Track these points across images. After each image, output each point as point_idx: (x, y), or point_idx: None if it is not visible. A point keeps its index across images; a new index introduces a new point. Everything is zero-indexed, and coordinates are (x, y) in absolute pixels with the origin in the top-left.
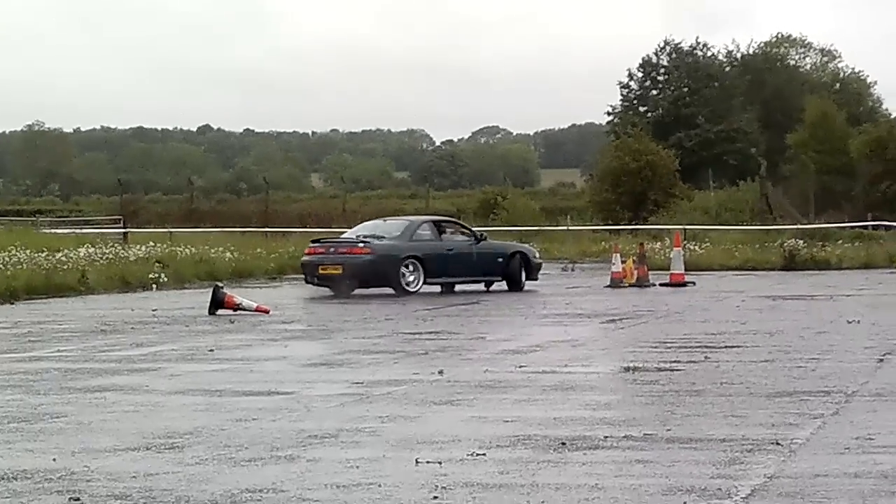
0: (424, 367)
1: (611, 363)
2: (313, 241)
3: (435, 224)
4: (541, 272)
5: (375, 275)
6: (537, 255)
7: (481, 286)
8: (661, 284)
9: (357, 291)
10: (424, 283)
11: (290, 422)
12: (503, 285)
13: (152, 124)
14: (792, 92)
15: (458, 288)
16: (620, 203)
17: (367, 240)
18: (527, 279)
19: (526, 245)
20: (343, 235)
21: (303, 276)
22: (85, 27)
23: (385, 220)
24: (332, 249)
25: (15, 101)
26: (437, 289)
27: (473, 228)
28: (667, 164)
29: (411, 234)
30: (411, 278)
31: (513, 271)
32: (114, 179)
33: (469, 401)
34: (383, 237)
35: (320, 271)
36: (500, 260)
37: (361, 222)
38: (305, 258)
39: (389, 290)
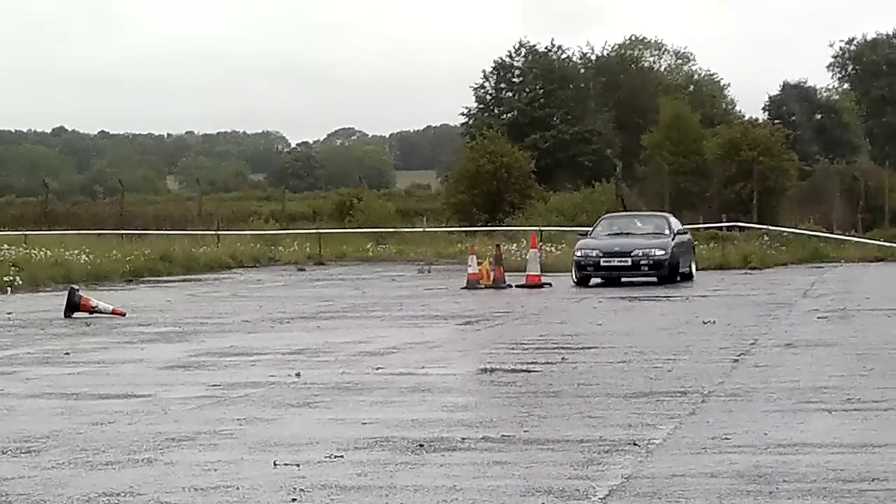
0: (281, 369)
1: (468, 365)
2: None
3: None
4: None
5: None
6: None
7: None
8: (517, 286)
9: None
10: None
11: (148, 425)
12: None
13: (5, 126)
14: (646, 94)
15: (328, 291)
16: (476, 205)
17: None
18: None
19: None
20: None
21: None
22: None
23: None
24: None
25: None
26: (299, 293)
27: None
28: (522, 166)
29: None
30: None
31: None
32: None
33: (326, 403)
34: None
35: None
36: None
37: (217, 224)
38: None
39: (252, 292)
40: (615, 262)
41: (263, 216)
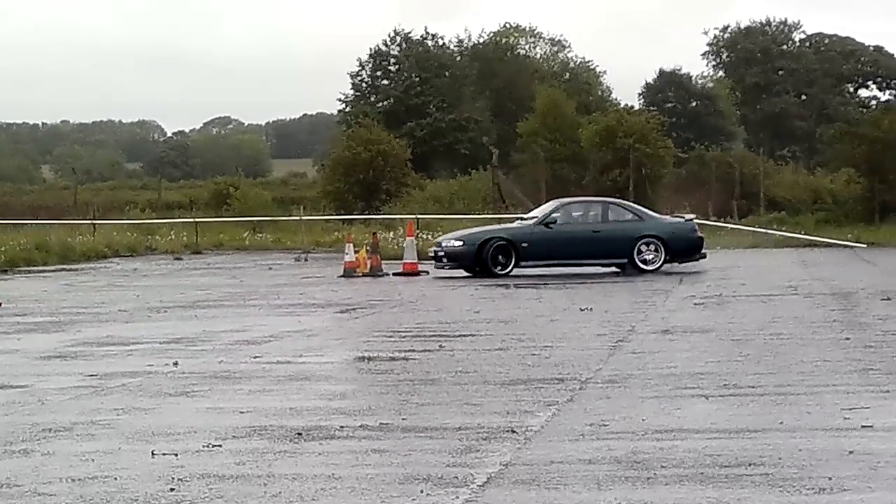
0: (159, 358)
1: (345, 353)
2: (691, 220)
3: None
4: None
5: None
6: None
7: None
8: (394, 274)
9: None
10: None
11: (24, 415)
12: None
13: None
14: (522, 81)
15: (205, 280)
16: (353, 193)
17: None
18: None
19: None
20: (661, 216)
21: None
22: None
23: (574, 202)
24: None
25: None
26: (176, 282)
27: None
28: (398, 154)
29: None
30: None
31: None
32: None
33: (204, 392)
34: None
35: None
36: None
37: (93, 213)
38: (699, 235)
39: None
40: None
41: (140, 205)
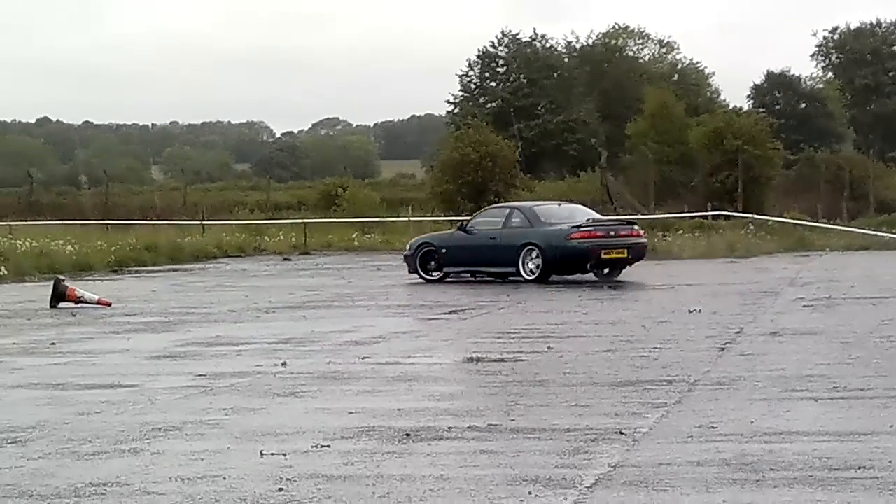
0: (268, 358)
1: (454, 354)
2: (576, 227)
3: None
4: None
5: (642, 257)
6: None
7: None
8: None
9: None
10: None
11: (134, 415)
12: None
13: None
14: (631, 83)
15: (314, 281)
16: (461, 194)
17: (632, 223)
18: None
19: None
20: (570, 221)
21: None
22: None
23: (561, 205)
24: (612, 233)
25: None
26: (284, 282)
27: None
28: (507, 155)
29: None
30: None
31: None
32: None
33: (313, 392)
34: (627, 221)
35: (604, 255)
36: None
37: (202, 214)
38: (584, 242)
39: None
40: None
41: (249, 206)
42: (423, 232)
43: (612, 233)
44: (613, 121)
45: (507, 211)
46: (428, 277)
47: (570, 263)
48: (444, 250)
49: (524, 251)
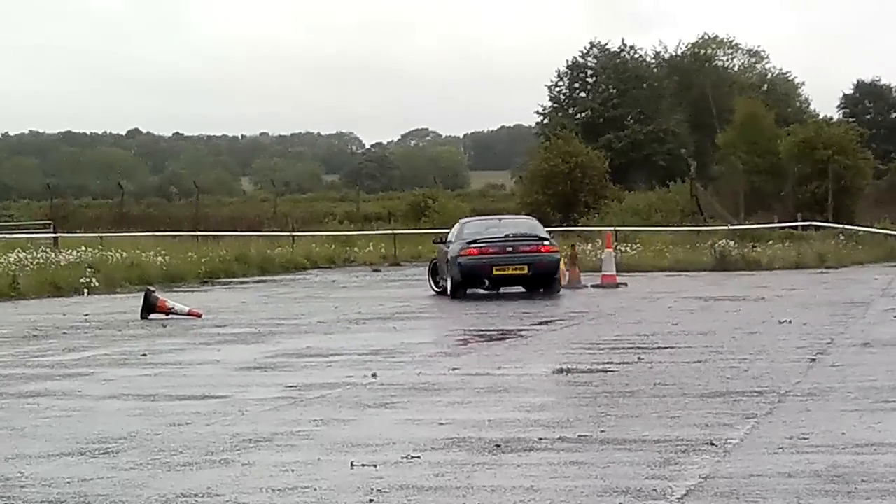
0: (358, 370)
1: (544, 365)
2: (471, 243)
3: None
4: None
5: (552, 273)
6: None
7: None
8: (592, 286)
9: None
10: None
11: (225, 426)
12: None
13: (81, 128)
14: (720, 93)
15: (403, 292)
16: (551, 205)
17: (546, 238)
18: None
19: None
20: (483, 235)
21: (458, 279)
22: (10, 29)
23: (501, 220)
24: (509, 249)
25: None
26: (374, 293)
27: None
28: (597, 166)
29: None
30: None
31: None
32: (43, 184)
33: (403, 403)
34: (544, 237)
35: (496, 272)
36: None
37: (292, 225)
38: (470, 259)
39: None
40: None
41: (338, 217)
42: None
43: (510, 249)
44: (702, 131)
45: (459, 226)
46: (436, 290)
47: (466, 280)
48: (436, 263)
49: (446, 266)
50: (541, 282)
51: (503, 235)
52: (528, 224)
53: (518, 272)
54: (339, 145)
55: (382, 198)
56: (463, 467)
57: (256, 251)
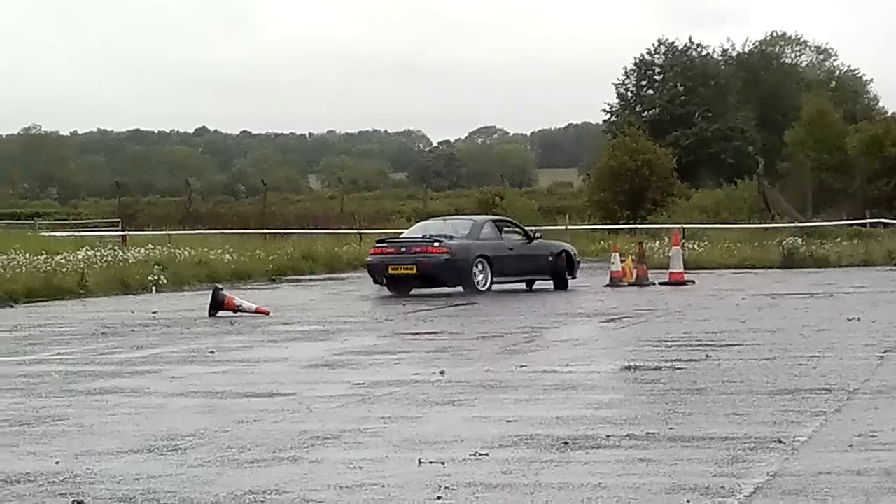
0: (425, 367)
1: (612, 362)
2: (379, 242)
3: (495, 223)
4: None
5: (450, 274)
6: (575, 252)
7: (521, 285)
8: (660, 283)
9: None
10: (491, 282)
11: (293, 423)
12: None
13: (149, 127)
14: (788, 90)
15: (494, 287)
16: (618, 202)
17: (441, 239)
18: (569, 276)
19: (567, 244)
20: (404, 235)
21: (367, 275)
22: (79, 28)
23: (446, 220)
24: (403, 249)
25: (12, 105)
26: (434, 290)
27: (527, 228)
28: (664, 163)
29: (478, 233)
30: (480, 277)
31: (559, 269)
32: (111, 182)
33: (471, 401)
34: (452, 237)
35: (391, 271)
36: (550, 258)
37: (359, 222)
38: (372, 258)
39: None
40: None
41: (406, 214)
42: (578, 241)
43: (404, 249)
44: (770, 128)
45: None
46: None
47: (371, 276)
48: None
49: None
50: (428, 281)
51: (420, 236)
52: (462, 224)
53: (407, 272)
54: (406, 143)
55: (450, 195)
56: (531, 465)
57: (324, 249)
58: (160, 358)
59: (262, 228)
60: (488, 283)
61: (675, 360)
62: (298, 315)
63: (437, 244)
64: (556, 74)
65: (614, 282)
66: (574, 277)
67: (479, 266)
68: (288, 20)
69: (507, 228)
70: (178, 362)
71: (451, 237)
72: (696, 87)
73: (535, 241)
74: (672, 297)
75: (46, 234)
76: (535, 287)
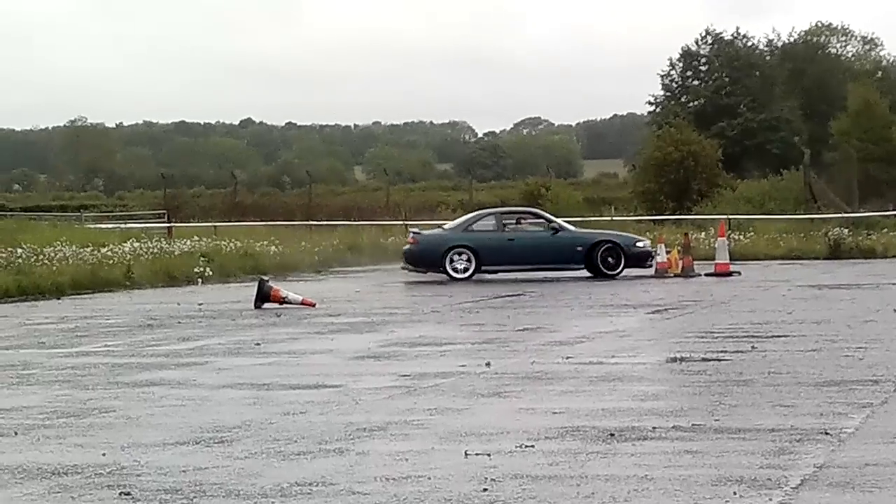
0: (471, 359)
1: (658, 354)
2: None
3: (506, 215)
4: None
5: (421, 261)
6: (641, 243)
7: (558, 274)
8: (706, 274)
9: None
10: (476, 270)
11: (339, 415)
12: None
13: (194, 118)
14: (833, 80)
15: (518, 276)
16: (664, 193)
17: (418, 232)
18: (626, 267)
19: (624, 234)
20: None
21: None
22: (125, 20)
23: (463, 216)
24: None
25: (58, 97)
26: (486, 280)
27: (557, 219)
28: (709, 154)
29: (467, 226)
30: (458, 265)
31: (595, 260)
32: (157, 174)
33: (517, 392)
34: (440, 229)
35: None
36: (580, 249)
37: (405, 214)
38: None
39: (439, 281)
40: None
41: (451, 206)
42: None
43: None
44: (816, 119)
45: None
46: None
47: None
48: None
49: None
50: (413, 265)
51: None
52: (465, 218)
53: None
54: (451, 134)
55: (495, 187)
56: (577, 456)
57: (369, 240)
58: (206, 350)
59: (308, 220)
60: (471, 270)
61: (721, 352)
62: (344, 307)
63: (412, 236)
64: (601, 65)
65: (660, 273)
66: (639, 267)
67: (457, 255)
68: (333, 11)
69: (527, 220)
70: (224, 354)
71: (435, 230)
72: (741, 78)
73: (561, 232)
74: (717, 289)
75: (92, 226)
76: (580, 277)
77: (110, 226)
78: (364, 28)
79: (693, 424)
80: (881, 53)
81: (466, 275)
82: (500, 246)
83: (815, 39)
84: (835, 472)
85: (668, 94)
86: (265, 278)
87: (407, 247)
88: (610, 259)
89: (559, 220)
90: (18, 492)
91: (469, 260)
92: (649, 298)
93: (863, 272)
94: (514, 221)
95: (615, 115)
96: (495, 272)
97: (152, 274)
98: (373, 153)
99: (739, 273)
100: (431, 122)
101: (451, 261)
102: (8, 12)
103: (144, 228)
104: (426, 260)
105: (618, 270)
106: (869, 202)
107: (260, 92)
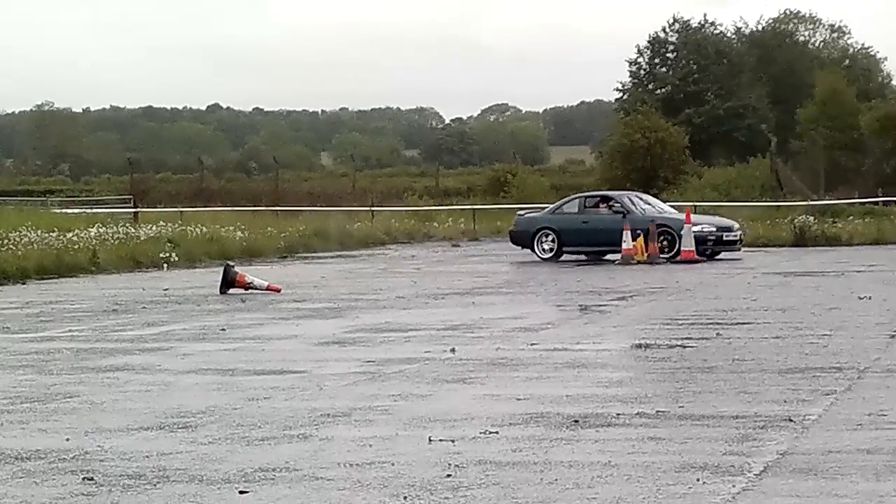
0: (436, 345)
1: (622, 340)
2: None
3: (583, 199)
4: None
5: (519, 240)
6: (708, 227)
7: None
8: (671, 261)
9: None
10: (558, 251)
11: (303, 401)
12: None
13: (161, 104)
14: (801, 68)
15: (483, 267)
16: (630, 180)
17: (521, 213)
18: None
19: (678, 217)
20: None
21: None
22: (91, 5)
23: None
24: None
25: (24, 82)
26: (453, 268)
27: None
28: (676, 141)
29: (557, 208)
30: (546, 246)
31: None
32: (123, 159)
33: (481, 379)
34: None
35: None
36: (639, 232)
37: (371, 200)
38: None
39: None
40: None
41: (418, 192)
42: None
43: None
44: (783, 106)
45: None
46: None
47: None
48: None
49: None
50: (515, 244)
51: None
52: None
53: None
54: (418, 120)
55: (462, 173)
56: (541, 442)
57: (335, 226)
58: (171, 335)
59: (274, 206)
60: (554, 251)
61: (686, 339)
62: (310, 292)
63: (516, 218)
64: (569, 51)
65: (626, 259)
66: (673, 252)
67: (545, 237)
68: None
69: (609, 205)
70: (189, 339)
71: (532, 213)
72: (709, 66)
73: (628, 216)
74: (683, 275)
75: (58, 211)
76: (548, 265)
77: (76, 211)
78: (331, 14)
79: (657, 411)
80: (849, 42)
81: (551, 255)
82: (577, 228)
83: (782, 27)
84: (798, 458)
85: (635, 81)
86: (231, 264)
87: (511, 227)
88: (664, 241)
89: (635, 205)
90: None
91: (553, 241)
92: (614, 285)
93: (828, 260)
94: (593, 206)
95: (582, 102)
96: (575, 253)
97: (118, 259)
98: (340, 139)
99: (705, 260)
100: (399, 108)
101: (539, 241)
102: None
103: (110, 213)
104: (521, 240)
105: (671, 254)
106: (835, 190)
107: (227, 77)
